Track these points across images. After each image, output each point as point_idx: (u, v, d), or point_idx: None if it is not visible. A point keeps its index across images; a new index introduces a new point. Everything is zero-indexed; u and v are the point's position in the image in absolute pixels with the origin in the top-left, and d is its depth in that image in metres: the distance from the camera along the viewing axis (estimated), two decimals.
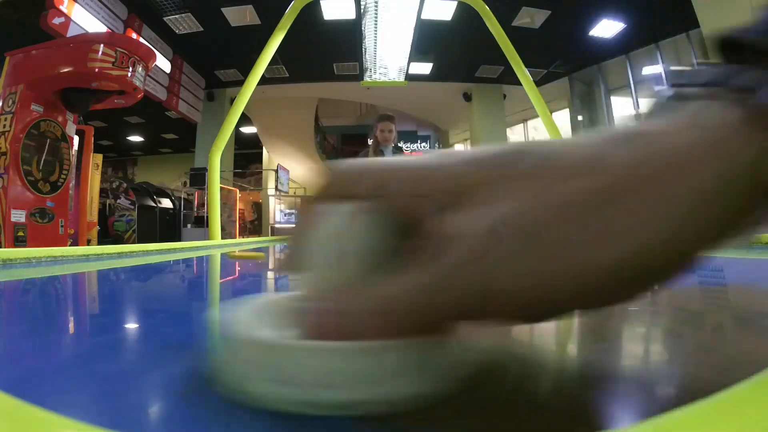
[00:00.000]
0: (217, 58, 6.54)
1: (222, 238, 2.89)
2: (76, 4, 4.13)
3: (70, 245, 2.64)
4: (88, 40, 2.58)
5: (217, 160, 2.56)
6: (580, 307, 0.12)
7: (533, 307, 0.12)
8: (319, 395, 0.12)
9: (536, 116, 3.98)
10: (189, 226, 6.46)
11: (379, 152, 2.51)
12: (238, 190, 7.29)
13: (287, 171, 8.31)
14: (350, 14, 4.99)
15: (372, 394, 0.12)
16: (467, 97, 7.93)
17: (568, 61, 6.92)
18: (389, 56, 4.65)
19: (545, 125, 2.83)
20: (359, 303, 0.13)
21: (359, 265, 0.14)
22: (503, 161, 0.13)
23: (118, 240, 5.68)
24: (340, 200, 0.14)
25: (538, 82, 6.90)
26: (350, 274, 0.14)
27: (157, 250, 0.98)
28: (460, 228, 0.12)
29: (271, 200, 8.30)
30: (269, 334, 0.16)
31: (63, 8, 3.96)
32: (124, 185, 5.96)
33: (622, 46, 6.32)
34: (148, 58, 2.84)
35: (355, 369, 0.12)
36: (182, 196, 6.72)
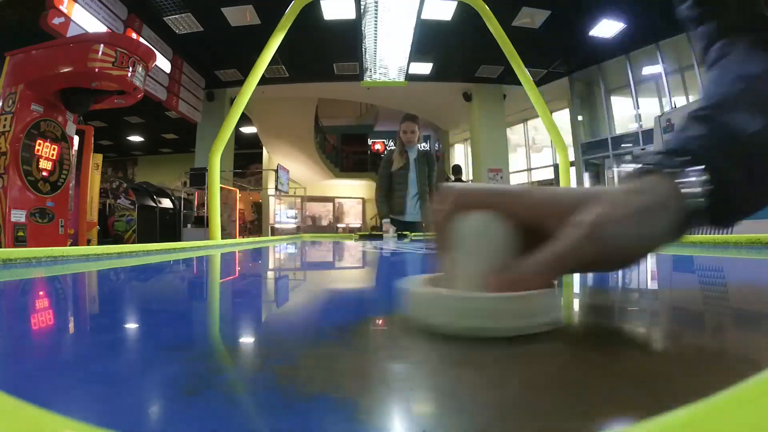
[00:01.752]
0: (217, 58, 6.54)
1: (222, 238, 2.89)
2: (76, 4, 4.13)
3: (70, 245, 2.64)
4: (88, 40, 2.58)
5: (217, 160, 2.55)
6: (623, 265, 0.26)
7: (611, 262, 0.25)
8: (488, 324, 0.21)
9: (536, 116, 3.97)
10: (189, 226, 6.46)
11: (403, 153, 2.49)
12: (238, 190, 7.29)
13: (287, 171, 8.31)
14: (350, 14, 4.99)
15: (523, 323, 0.21)
16: (467, 97, 7.93)
17: (568, 61, 6.92)
18: (389, 56, 4.66)
19: (545, 125, 2.82)
20: (523, 267, 0.23)
21: (496, 251, 0.24)
22: (584, 195, 0.25)
23: (118, 240, 5.68)
24: (468, 211, 0.25)
25: (538, 82, 6.90)
26: (491, 258, 0.24)
27: (157, 250, 0.98)
28: (576, 223, 0.23)
29: (271, 200, 8.30)
30: (459, 292, 0.24)
31: (63, 8, 3.96)
32: (124, 185, 5.96)
33: (622, 46, 6.32)
34: (148, 58, 2.84)
35: (514, 307, 0.21)
36: (182, 196, 6.72)
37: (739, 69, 0.31)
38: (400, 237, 2.21)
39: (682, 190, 0.24)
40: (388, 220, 2.44)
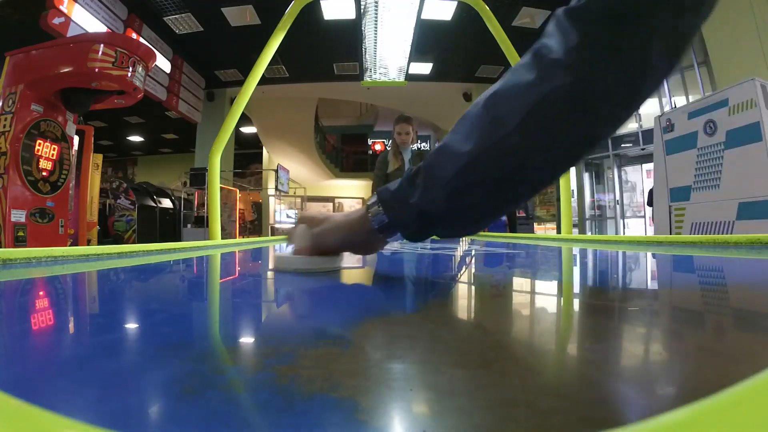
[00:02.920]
0: (217, 58, 6.54)
1: (222, 238, 2.89)
2: (76, 4, 4.13)
3: (70, 245, 2.64)
4: (88, 40, 2.58)
5: (217, 160, 2.55)
6: (337, 251, 0.56)
7: (332, 248, 0.54)
8: (301, 267, 0.53)
9: None
10: (189, 226, 6.45)
11: (398, 154, 2.49)
12: (238, 190, 7.28)
13: (287, 171, 8.31)
14: (350, 14, 4.99)
15: (315, 267, 0.53)
16: (467, 97, 7.93)
17: None
18: (389, 56, 4.65)
19: None
20: (306, 247, 0.54)
21: (306, 240, 0.54)
22: (325, 218, 0.53)
23: (118, 240, 5.68)
24: (303, 223, 0.56)
25: None
26: (304, 242, 0.54)
27: (157, 250, 0.98)
28: (315, 230, 0.53)
29: (271, 200, 8.30)
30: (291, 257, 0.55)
31: (63, 8, 3.96)
32: (124, 185, 5.96)
33: None
34: (148, 58, 2.84)
35: (310, 261, 0.53)
36: (182, 196, 6.72)
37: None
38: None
39: (369, 218, 0.47)
40: None
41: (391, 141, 2.55)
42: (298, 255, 0.53)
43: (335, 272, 0.54)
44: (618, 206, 7.00)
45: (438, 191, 0.42)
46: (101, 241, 5.18)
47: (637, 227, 6.90)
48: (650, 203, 4.15)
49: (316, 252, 0.53)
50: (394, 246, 1.37)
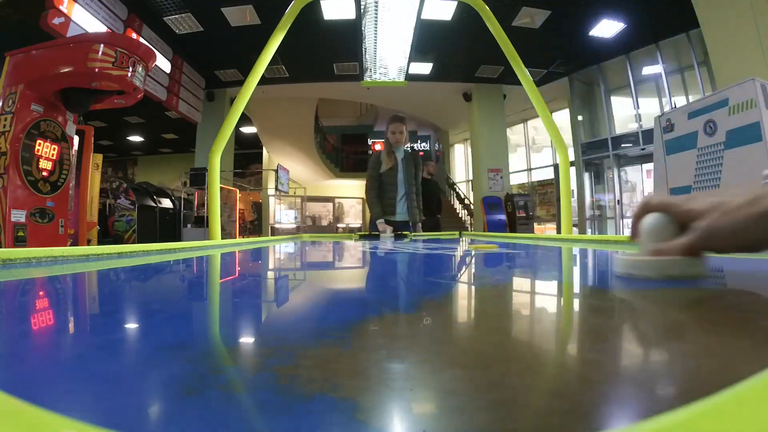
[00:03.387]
0: (217, 58, 6.54)
1: (222, 238, 2.89)
2: (76, 4, 4.13)
3: (70, 245, 2.64)
4: (88, 40, 2.58)
5: (217, 160, 2.55)
6: (739, 250, 0.37)
7: (727, 249, 0.37)
8: (657, 273, 0.40)
9: (536, 116, 3.96)
10: (189, 226, 6.45)
11: (391, 153, 2.51)
12: (238, 190, 7.28)
13: (287, 171, 8.30)
14: (350, 14, 4.99)
15: (678, 272, 0.40)
16: (467, 97, 7.93)
17: (568, 61, 6.92)
18: (389, 56, 4.65)
19: (545, 125, 2.82)
20: (679, 246, 0.39)
21: (668, 234, 0.41)
22: (710, 206, 0.37)
23: (118, 240, 5.67)
24: (657, 211, 0.42)
25: (538, 82, 6.90)
26: (664, 237, 0.41)
27: (157, 250, 0.98)
28: (702, 225, 0.37)
29: (271, 200, 8.30)
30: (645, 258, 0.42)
31: (63, 8, 3.96)
32: (124, 185, 5.95)
33: (622, 46, 6.32)
34: (148, 58, 2.84)
35: (674, 264, 0.40)
36: (182, 196, 6.72)
37: None
38: (398, 237, 2.22)
39: None
40: (382, 220, 2.46)
41: (384, 140, 2.56)
42: (660, 255, 0.40)
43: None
44: (618, 206, 7.00)
45: None
46: (101, 241, 5.18)
47: None
48: None
49: (694, 252, 0.40)
50: (387, 246, 1.37)
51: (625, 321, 0.29)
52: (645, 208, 0.43)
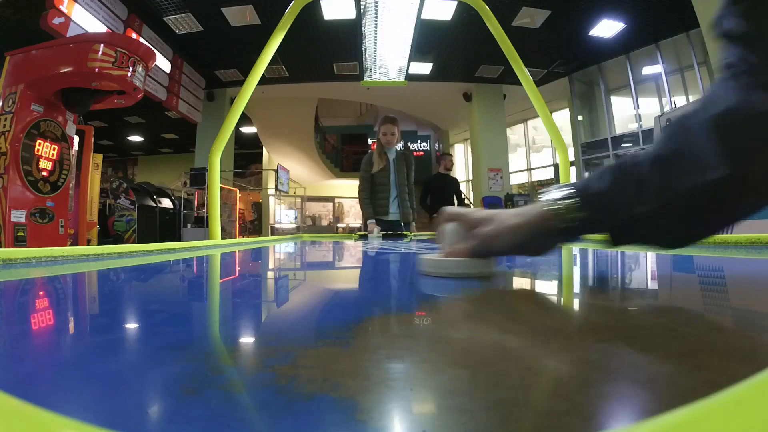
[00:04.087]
0: (217, 58, 6.53)
1: (222, 238, 2.89)
2: (76, 4, 4.13)
3: (70, 245, 2.65)
4: (88, 40, 2.58)
5: (217, 160, 2.55)
6: (508, 252, 0.48)
7: (499, 252, 0.49)
8: (452, 271, 0.48)
9: (536, 116, 3.95)
10: (189, 226, 6.45)
11: (383, 154, 2.52)
12: (238, 190, 7.28)
13: (287, 171, 8.30)
14: (350, 14, 4.98)
15: (467, 271, 0.48)
16: (467, 97, 7.92)
17: (568, 61, 6.91)
18: (389, 56, 4.65)
19: (545, 125, 2.82)
20: (463, 250, 0.49)
21: (458, 240, 0.50)
22: (489, 216, 0.48)
23: (118, 240, 5.67)
24: (450, 222, 0.52)
25: (538, 82, 6.91)
26: (455, 242, 0.50)
27: (157, 250, 0.98)
28: (480, 232, 0.47)
29: (271, 200, 8.30)
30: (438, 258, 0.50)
31: (63, 8, 3.96)
32: (124, 185, 5.95)
33: (622, 46, 6.32)
34: (148, 58, 2.84)
35: (461, 264, 0.48)
36: (182, 196, 6.71)
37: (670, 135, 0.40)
38: (386, 237, 2.24)
39: (553, 218, 0.42)
40: (373, 220, 2.47)
41: (376, 141, 2.57)
42: (451, 258, 0.49)
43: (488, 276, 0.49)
44: None
45: (673, 200, 0.37)
46: (101, 241, 5.18)
47: None
48: None
49: (475, 255, 0.48)
50: (375, 244, 1.37)
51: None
52: (443, 218, 0.53)
